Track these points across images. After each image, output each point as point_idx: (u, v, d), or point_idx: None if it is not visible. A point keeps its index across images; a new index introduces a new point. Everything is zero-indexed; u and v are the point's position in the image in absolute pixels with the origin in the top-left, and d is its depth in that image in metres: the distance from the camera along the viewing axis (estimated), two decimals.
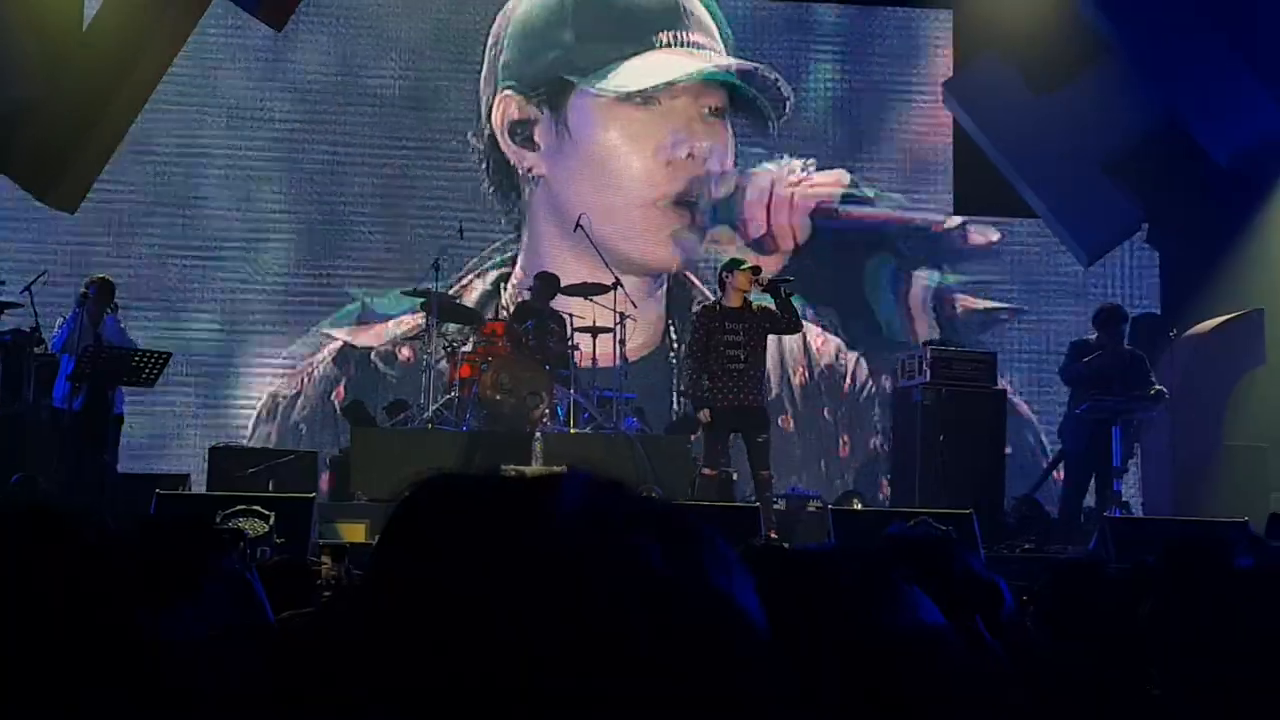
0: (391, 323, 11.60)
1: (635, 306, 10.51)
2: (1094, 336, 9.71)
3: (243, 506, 7.28)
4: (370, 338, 11.65)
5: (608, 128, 12.11)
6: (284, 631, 2.65)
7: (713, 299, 9.26)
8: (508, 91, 12.10)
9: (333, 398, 11.46)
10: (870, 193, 12.41)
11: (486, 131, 12.15)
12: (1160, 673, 1.77)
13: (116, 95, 11.20)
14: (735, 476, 8.92)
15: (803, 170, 12.36)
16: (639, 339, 11.19)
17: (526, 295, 10.74)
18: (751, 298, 8.64)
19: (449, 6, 12.26)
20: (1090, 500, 9.71)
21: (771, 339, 9.09)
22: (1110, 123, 11.85)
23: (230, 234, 11.69)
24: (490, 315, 10.80)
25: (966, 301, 12.39)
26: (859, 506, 10.14)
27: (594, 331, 10.26)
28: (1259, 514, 8.59)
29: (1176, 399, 10.42)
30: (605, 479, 0.88)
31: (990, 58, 12.14)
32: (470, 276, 11.88)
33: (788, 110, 12.36)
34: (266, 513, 7.25)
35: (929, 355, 9.76)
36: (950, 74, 12.47)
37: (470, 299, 11.69)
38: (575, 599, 0.81)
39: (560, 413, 9.81)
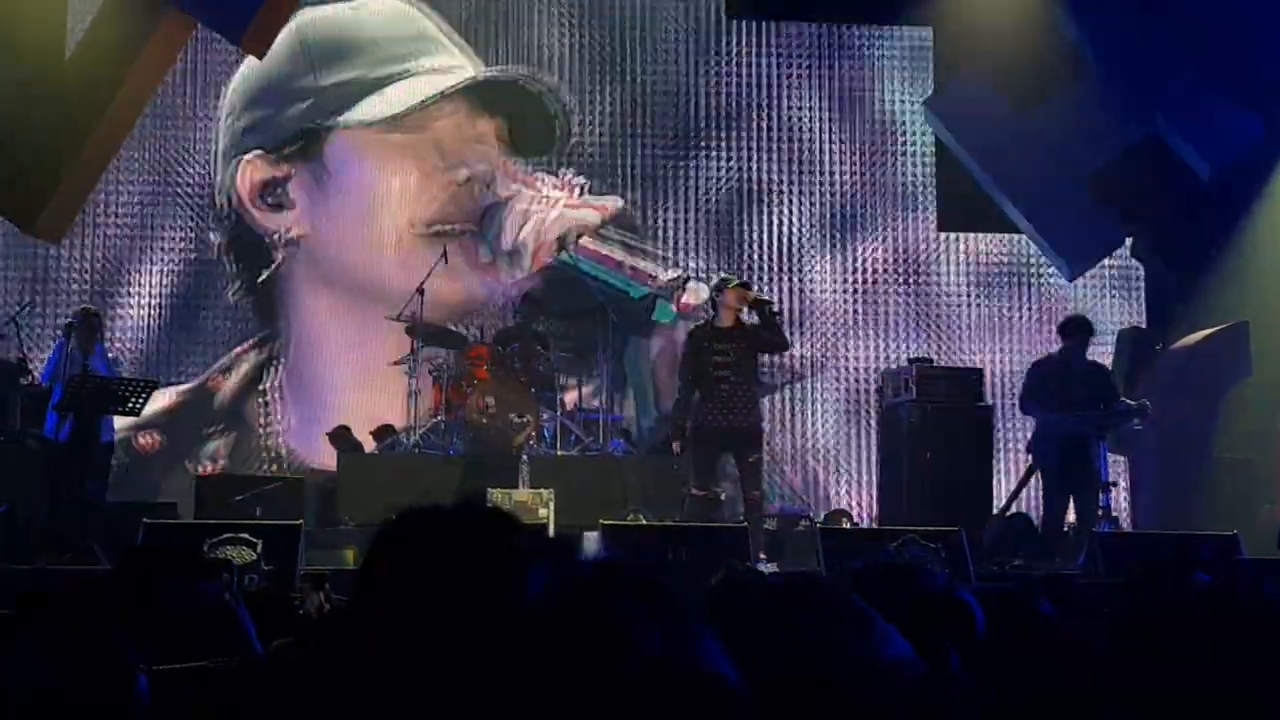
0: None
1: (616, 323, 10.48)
2: (1055, 351, 9.68)
3: (230, 534, 7.26)
4: None
5: (367, 158, 11.68)
6: (271, 661, 2.63)
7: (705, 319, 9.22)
8: (253, 155, 11.64)
9: None
10: (622, 236, 11.96)
11: (226, 211, 11.64)
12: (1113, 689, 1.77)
13: (99, 125, 11.18)
14: (724, 496, 8.89)
15: (577, 192, 11.93)
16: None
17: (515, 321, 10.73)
18: (744, 316, 8.59)
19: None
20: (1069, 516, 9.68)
21: None
22: (1091, 138, 11.89)
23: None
24: (475, 338, 10.78)
25: None
26: (848, 525, 10.13)
27: (578, 353, 10.24)
28: (1249, 526, 8.59)
29: (1164, 412, 10.42)
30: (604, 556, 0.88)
31: (971, 75, 12.18)
32: (218, 375, 11.42)
33: (573, 127, 11.95)
34: (254, 540, 7.23)
35: (915, 373, 9.76)
36: (930, 91, 12.52)
37: (224, 391, 11.34)
38: (567, 657, 0.80)
39: (546, 435, 9.80)
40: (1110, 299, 12.60)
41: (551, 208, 11.80)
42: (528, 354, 9.88)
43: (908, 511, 9.26)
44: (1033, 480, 10.20)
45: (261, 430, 11.30)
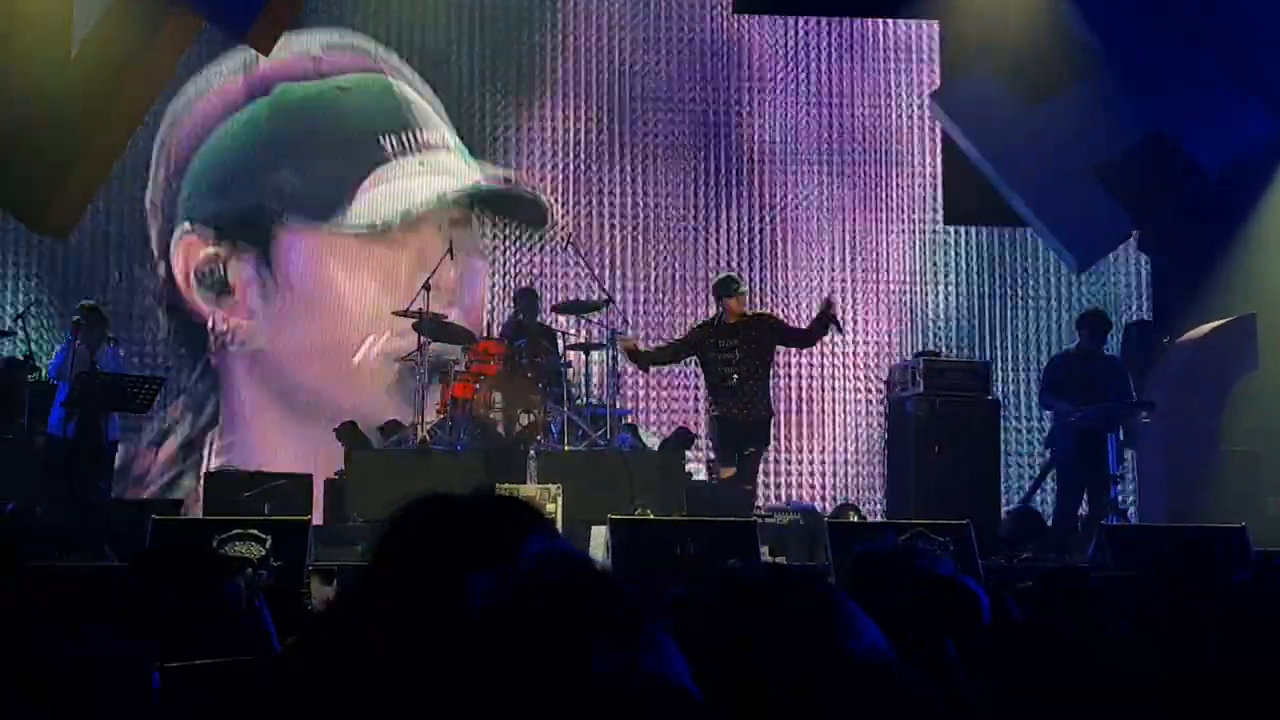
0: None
1: (626, 323, 10.50)
2: (1072, 346, 9.70)
3: (239, 531, 7.27)
4: None
5: (327, 263, 11.14)
6: (283, 659, 2.64)
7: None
8: (192, 232, 11.11)
9: None
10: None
11: (162, 272, 11.12)
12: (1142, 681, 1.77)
13: (105, 122, 11.20)
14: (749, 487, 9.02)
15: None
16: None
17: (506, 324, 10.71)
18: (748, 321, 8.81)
19: None
20: (1082, 508, 9.69)
21: None
22: (1099, 132, 11.86)
23: None
24: (482, 333, 10.78)
25: None
26: (855, 519, 10.13)
27: (586, 348, 10.24)
28: (1255, 519, 8.58)
29: (1171, 405, 10.42)
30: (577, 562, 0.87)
31: (978, 69, 12.16)
32: (149, 452, 10.81)
33: (549, 220, 11.68)
34: (263, 536, 7.23)
35: (922, 366, 9.75)
36: (938, 85, 12.51)
37: (154, 469, 10.70)
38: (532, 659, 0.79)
39: (554, 430, 9.80)
40: (1117, 292, 12.58)
41: None
42: (535, 349, 9.88)
43: (915, 505, 9.26)
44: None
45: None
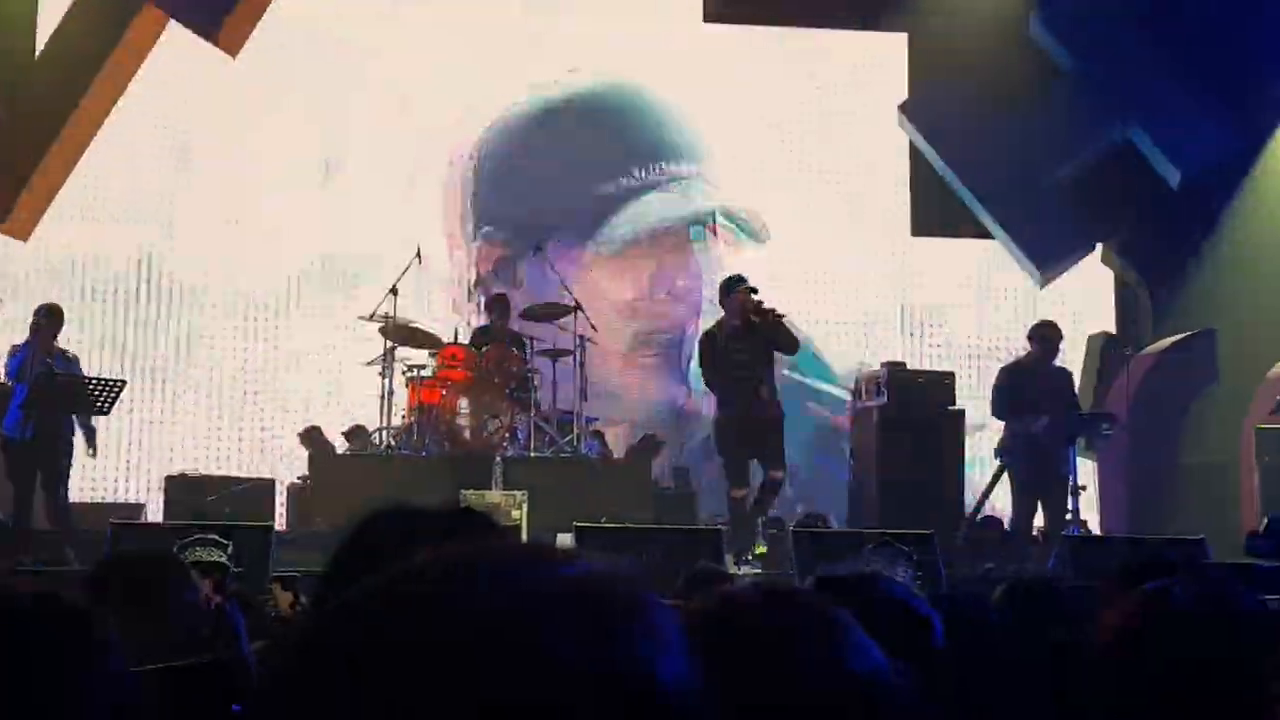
0: None
1: (595, 329, 10.48)
2: (1023, 356, 9.75)
3: (200, 536, 7.21)
4: None
5: (588, 270, 11.78)
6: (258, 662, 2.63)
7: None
8: (491, 236, 11.81)
9: None
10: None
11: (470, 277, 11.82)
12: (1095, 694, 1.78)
13: (69, 123, 11.11)
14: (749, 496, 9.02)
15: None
16: None
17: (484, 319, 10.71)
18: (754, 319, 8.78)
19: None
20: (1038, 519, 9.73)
21: None
22: (1065, 144, 11.96)
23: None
24: (449, 339, 10.75)
25: None
26: (821, 528, 10.14)
27: (554, 355, 10.23)
28: (1214, 531, 8.66)
29: (1132, 418, 10.50)
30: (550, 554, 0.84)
31: (945, 80, 12.23)
32: None
33: (764, 239, 12.23)
34: (224, 542, 7.17)
35: (887, 376, 9.78)
36: (905, 96, 12.56)
37: None
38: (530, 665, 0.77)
39: (520, 436, 9.78)
40: (1080, 304, 12.66)
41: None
42: (503, 355, 9.85)
43: (879, 514, 9.28)
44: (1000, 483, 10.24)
45: None
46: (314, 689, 0.78)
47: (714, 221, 12.05)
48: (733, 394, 8.74)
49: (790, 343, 8.97)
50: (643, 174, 11.94)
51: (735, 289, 8.81)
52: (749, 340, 8.71)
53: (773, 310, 8.82)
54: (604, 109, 12.14)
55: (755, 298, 8.76)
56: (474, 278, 11.85)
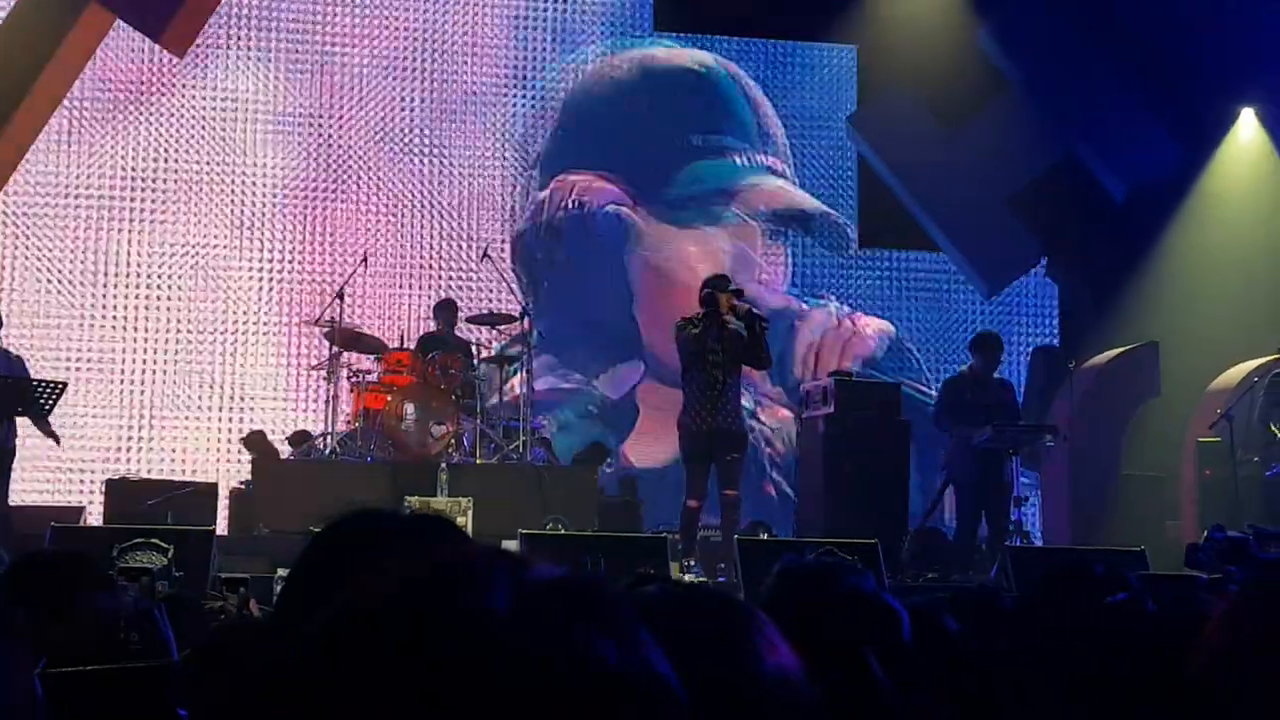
0: None
1: (543, 336, 10.45)
2: (965, 368, 9.82)
3: (140, 539, 7.12)
4: None
5: (663, 249, 12.14)
6: (185, 666, 2.60)
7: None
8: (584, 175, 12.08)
9: None
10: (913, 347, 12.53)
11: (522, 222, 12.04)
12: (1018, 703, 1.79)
13: (14, 117, 10.98)
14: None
15: (847, 316, 12.49)
16: None
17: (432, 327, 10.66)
18: (732, 324, 8.33)
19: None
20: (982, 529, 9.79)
21: None
22: (1012, 157, 12.07)
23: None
24: (395, 345, 10.69)
25: None
26: (765, 537, 10.17)
27: (501, 361, 10.19)
28: (1154, 542, 8.76)
29: (1075, 430, 10.59)
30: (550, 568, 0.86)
31: (894, 92, 12.31)
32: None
33: (851, 249, 12.52)
34: (165, 546, 7.09)
35: (833, 386, 9.82)
36: (854, 108, 12.63)
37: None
38: (521, 683, 0.78)
39: (465, 443, 9.74)
40: (1025, 317, 12.78)
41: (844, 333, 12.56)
42: (449, 360, 9.81)
43: (825, 524, 9.30)
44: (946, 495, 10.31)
45: None
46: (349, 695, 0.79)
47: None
48: (699, 399, 8.29)
49: (764, 357, 8.57)
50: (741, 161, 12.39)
51: (723, 289, 8.37)
52: (725, 344, 8.27)
53: (761, 317, 8.54)
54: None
55: (741, 303, 8.37)
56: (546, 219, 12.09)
